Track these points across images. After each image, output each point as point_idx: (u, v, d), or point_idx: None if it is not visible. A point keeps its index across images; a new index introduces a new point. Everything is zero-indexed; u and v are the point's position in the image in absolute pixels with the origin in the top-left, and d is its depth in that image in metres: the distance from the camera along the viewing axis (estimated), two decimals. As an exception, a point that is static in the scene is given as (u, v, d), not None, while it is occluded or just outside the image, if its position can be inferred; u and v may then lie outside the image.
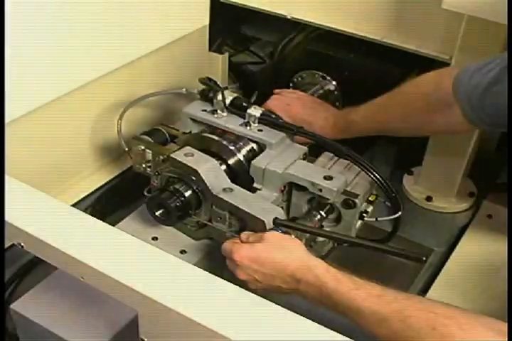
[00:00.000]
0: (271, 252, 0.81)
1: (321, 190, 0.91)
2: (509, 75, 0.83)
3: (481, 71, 0.89)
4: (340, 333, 0.60)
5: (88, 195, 1.22)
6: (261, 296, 0.65)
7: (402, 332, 0.68)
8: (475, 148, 1.22)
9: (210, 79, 1.04)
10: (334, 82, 1.33)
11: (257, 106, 1.01)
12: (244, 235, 0.87)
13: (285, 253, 0.81)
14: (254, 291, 0.77)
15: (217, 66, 1.42)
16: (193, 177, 0.92)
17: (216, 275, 0.66)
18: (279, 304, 0.63)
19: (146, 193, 1.00)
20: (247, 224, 0.90)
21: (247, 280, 0.83)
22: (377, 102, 1.05)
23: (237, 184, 0.94)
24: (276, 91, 1.17)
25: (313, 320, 0.61)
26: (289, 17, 1.28)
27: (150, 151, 1.02)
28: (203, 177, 0.92)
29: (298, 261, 0.80)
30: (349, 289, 0.74)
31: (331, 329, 0.60)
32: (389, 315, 0.70)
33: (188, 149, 0.96)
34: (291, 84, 1.38)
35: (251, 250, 0.82)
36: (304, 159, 0.97)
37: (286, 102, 1.11)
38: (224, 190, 0.92)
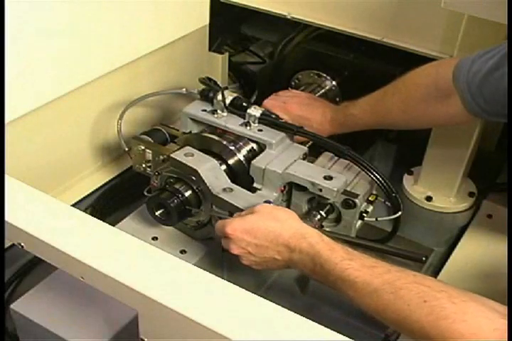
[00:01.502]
0: (263, 222, 0.81)
1: (321, 190, 0.91)
2: (509, 76, 0.82)
3: (481, 59, 0.89)
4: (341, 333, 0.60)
5: (88, 195, 1.22)
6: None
7: (392, 303, 0.67)
8: (475, 148, 1.22)
9: (210, 79, 1.04)
10: (334, 82, 1.33)
11: (257, 106, 1.01)
12: (236, 213, 0.87)
13: (278, 223, 0.80)
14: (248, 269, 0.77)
15: (217, 66, 1.42)
16: (193, 177, 0.92)
17: (216, 275, 0.66)
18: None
19: (146, 193, 1.00)
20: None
21: (241, 255, 0.82)
22: (376, 94, 1.04)
23: (237, 184, 0.94)
24: (273, 94, 1.17)
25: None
26: (289, 17, 1.28)
27: (150, 151, 1.02)
28: (203, 177, 0.92)
29: (291, 229, 0.79)
30: (342, 259, 0.74)
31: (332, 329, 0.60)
32: (380, 287, 0.69)
33: (188, 149, 0.96)
34: (291, 84, 1.38)
35: (243, 222, 0.82)
36: (304, 159, 0.97)
37: (282, 100, 1.11)
38: (224, 189, 0.92)
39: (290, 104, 1.09)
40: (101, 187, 1.25)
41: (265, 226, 0.80)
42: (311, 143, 1.02)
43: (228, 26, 1.43)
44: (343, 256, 0.74)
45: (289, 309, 0.62)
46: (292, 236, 0.79)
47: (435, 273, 1.18)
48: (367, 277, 0.71)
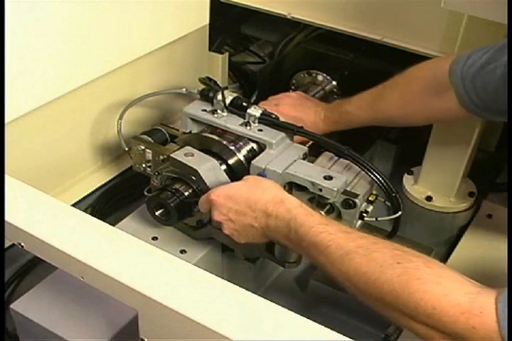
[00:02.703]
0: (246, 189, 0.82)
1: (321, 190, 0.90)
2: (509, 76, 0.83)
3: (477, 53, 0.91)
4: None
5: (88, 195, 1.22)
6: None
7: (364, 265, 0.66)
8: (475, 148, 1.22)
9: (210, 79, 1.03)
10: (334, 82, 1.33)
11: (257, 106, 1.01)
12: None
13: (259, 189, 0.81)
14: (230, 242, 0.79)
15: (217, 66, 1.42)
16: (193, 177, 0.92)
17: (216, 275, 0.66)
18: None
19: (146, 193, 1.00)
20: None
21: (222, 222, 0.83)
22: (374, 90, 1.05)
23: (237, 184, 0.94)
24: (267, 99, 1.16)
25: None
26: (289, 17, 1.28)
27: (150, 151, 1.02)
28: (203, 177, 0.92)
29: (271, 195, 0.80)
30: (319, 223, 0.73)
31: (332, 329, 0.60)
32: (354, 250, 0.67)
33: (188, 149, 0.96)
34: (291, 84, 1.39)
35: (227, 188, 0.83)
36: (303, 159, 0.97)
37: (274, 103, 1.10)
38: (224, 189, 0.92)
39: (282, 105, 1.09)
40: (101, 187, 1.25)
41: (247, 192, 0.81)
42: (311, 143, 1.02)
43: (228, 26, 1.43)
44: (320, 221, 0.73)
45: (289, 309, 0.62)
46: (271, 200, 0.79)
47: (435, 273, 1.18)
48: (341, 241, 0.69)
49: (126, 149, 1.08)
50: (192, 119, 1.03)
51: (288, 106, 1.10)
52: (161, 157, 1.00)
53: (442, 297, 0.61)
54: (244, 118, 1.00)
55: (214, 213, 0.83)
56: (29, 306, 0.88)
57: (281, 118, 1.04)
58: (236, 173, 0.97)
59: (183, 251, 1.01)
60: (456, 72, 0.91)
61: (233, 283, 0.65)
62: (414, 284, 0.62)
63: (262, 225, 0.80)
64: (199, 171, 0.91)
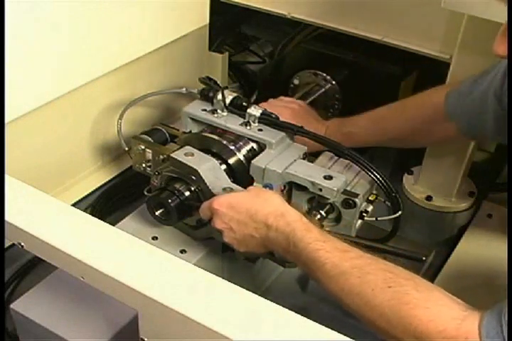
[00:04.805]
0: (248, 199, 0.82)
1: (321, 190, 0.90)
2: (509, 76, 0.83)
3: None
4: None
5: (88, 195, 1.22)
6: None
7: (357, 287, 0.68)
8: (475, 148, 1.22)
9: (210, 79, 1.03)
10: (334, 82, 1.33)
11: (257, 106, 1.01)
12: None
13: (261, 200, 0.82)
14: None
15: (217, 65, 1.42)
16: (193, 177, 0.92)
17: (216, 275, 0.66)
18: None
19: (146, 193, 1.00)
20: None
21: (223, 230, 0.84)
22: (378, 112, 1.06)
23: (237, 183, 0.94)
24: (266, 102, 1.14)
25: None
26: (289, 16, 1.28)
27: (150, 151, 1.02)
28: (203, 177, 0.91)
29: (272, 207, 0.81)
30: (316, 240, 0.74)
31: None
32: (349, 270, 0.69)
33: (188, 149, 0.95)
34: (291, 84, 1.39)
35: (230, 197, 0.84)
36: (303, 159, 0.97)
37: (277, 111, 1.04)
38: (224, 189, 0.91)
39: (284, 114, 1.05)
40: (101, 187, 1.25)
41: (249, 202, 0.82)
42: (311, 142, 1.02)
43: (228, 26, 1.44)
44: (317, 237, 0.75)
45: (289, 309, 0.62)
46: (272, 212, 0.80)
47: (435, 273, 1.18)
48: (336, 259, 0.71)
49: (126, 149, 1.08)
50: (192, 119, 1.03)
51: (290, 117, 1.06)
52: (161, 157, 1.00)
53: (430, 322, 0.63)
54: (244, 118, 1.00)
55: (215, 221, 0.84)
56: (29, 306, 0.88)
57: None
58: (236, 173, 0.97)
59: (183, 251, 1.01)
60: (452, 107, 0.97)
61: (233, 283, 0.65)
62: (403, 309, 0.64)
63: (262, 236, 0.81)
64: (199, 171, 0.91)
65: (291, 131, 0.99)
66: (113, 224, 0.94)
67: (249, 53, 1.58)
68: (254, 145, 1.00)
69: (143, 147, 1.02)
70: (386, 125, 1.05)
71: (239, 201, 0.83)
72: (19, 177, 0.77)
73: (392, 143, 1.12)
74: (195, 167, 0.92)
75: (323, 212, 0.94)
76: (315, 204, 0.96)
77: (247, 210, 0.81)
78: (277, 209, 0.80)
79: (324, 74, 1.33)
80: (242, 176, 0.97)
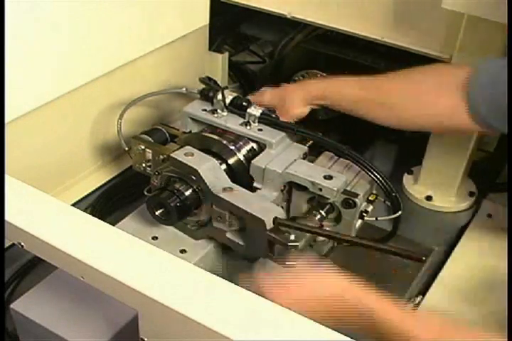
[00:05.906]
0: (310, 291, 0.77)
1: (321, 190, 0.90)
2: (509, 76, 0.83)
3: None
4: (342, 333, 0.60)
5: (88, 195, 1.23)
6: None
7: None
8: (475, 148, 1.22)
9: (210, 79, 1.04)
10: (334, 82, 1.33)
11: (257, 106, 1.01)
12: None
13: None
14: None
15: (217, 65, 1.42)
16: (193, 177, 0.92)
17: (216, 275, 0.66)
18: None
19: (146, 193, 1.00)
20: (247, 223, 0.90)
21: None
22: (382, 77, 1.00)
23: (237, 183, 0.94)
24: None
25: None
26: (289, 16, 1.28)
27: (150, 151, 1.02)
28: (203, 177, 0.91)
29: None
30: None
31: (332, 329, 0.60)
32: None
33: (188, 149, 0.95)
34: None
35: (288, 295, 0.76)
36: (304, 158, 0.97)
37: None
38: (224, 189, 0.91)
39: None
40: (101, 186, 1.25)
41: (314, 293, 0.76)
42: (311, 142, 1.02)
43: (228, 26, 1.44)
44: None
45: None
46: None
47: (435, 272, 1.18)
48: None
49: (126, 149, 1.08)
50: (192, 119, 1.03)
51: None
52: (161, 157, 1.00)
53: None
54: (244, 118, 1.00)
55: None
56: (29, 306, 0.88)
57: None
58: (236, 173, 0.97)
59: (183, 251, 1.00)
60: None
61: (233, 283, 0.65)
62: None
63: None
64: (199, 171, 0.91)
65: (291, 130, 0.99)
66: (113, 224, 0.94)
67: (249, 53, 1.58)
68: (254, 145, 1.00)
69: (143, 147, 1.02)
70: (388, 84, 0.99)
71: (302, 295, 0.76)
72: (19, 177, 0.77)
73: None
74: (195, 167, 0.92)
75: (323, 212, 0.94)
76: (315, 204, 0.96)
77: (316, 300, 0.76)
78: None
79: (324, 74, 1.34)
80: (242, 176, 0.97)
